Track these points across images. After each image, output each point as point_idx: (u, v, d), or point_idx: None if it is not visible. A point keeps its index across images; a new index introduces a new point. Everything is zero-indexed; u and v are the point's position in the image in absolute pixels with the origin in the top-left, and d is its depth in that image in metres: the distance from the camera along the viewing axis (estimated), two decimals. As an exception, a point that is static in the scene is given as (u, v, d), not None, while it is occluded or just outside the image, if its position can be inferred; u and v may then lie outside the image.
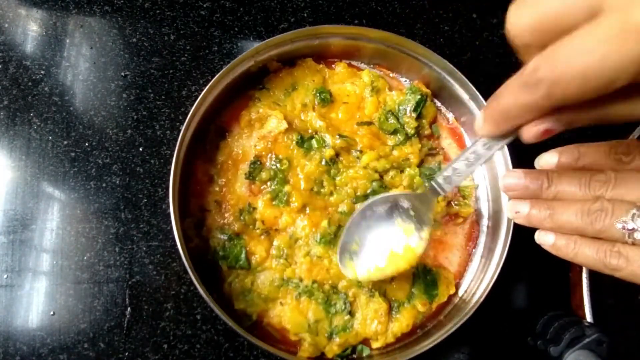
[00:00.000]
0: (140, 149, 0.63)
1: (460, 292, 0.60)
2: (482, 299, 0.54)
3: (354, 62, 0.65)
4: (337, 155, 0.59)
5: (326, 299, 0.56)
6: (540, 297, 0.62)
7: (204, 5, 0.69)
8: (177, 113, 0.64)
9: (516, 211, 0.48)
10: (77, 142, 0.63)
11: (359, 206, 0.56)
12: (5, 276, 0.59)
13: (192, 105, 0.55)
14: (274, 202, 0.57)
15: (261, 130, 0.59)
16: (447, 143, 0.65)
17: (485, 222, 0.62)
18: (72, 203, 0.61)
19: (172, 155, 0.54)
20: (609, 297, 0.57)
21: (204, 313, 0.59)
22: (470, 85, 0.58)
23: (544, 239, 0.47)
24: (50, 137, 0.63)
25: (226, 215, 0.58)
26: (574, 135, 0.68)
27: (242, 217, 0.57)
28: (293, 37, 0.59)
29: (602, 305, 0.56)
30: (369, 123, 0.61)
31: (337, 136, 0.59)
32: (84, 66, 0.65)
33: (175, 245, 0.60)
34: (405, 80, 0.65)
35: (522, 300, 0.62)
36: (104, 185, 0.62)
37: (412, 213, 0.53)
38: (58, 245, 0.59)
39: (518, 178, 0.48)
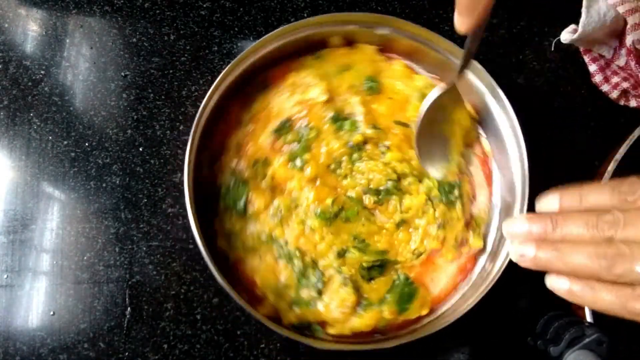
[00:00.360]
0: (140, 149, 0.63)
1: (436, 314, 0.58)
2: (453, 320, 0.53)
3: (413, 65, 0.65)
4: (365, 143, 0.60)
5: (303, 270, 0.56)
6: (540, 297, 0.62)
7: (204, 5, 0.69)
8: (177, 113, 0.64)
9: (521, 254, 0.46)
10: (77, 142, 0.63)
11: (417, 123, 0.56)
12: (5, 276, 0.59)
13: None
14: (289, 164, 0.58)
15: (302, 95, 0.60)
16: (474, 169, 0.62)
17: (483, 262, 0.60)
18: (72, 203, 0.61)
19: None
20: (609, 297, 0.57)
21: (204, 313, 0.59)
22: (517, 124, 0.58)
23: (557, 284, 0.45)
24: (50, 137, 0.63)
25: (242, 159, 0.59)
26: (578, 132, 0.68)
27: (255, 167, 0.58)
28: (359, 20, 0.60)
29: (602, 305, 0.56)
30: (406, 125, 0.61)
31: (372, 126, 0.60)
32: (84, 66, 0.65)
33: (175, 245, 0.60)
34: (485, 142, 0.64)
35: (522, 301, 0.62)
36: (104, 185, 0.62)
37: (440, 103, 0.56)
38: (58, 245, 0.59)
39: (521, 224, 0.47)
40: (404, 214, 0.59)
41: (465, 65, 0.52)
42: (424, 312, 0.57)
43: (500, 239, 0.59)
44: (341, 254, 0.56)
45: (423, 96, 0.61)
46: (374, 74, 0.62)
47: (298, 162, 0.58)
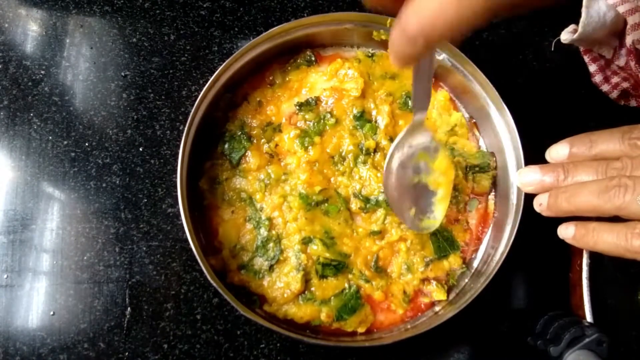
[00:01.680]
0: (140, 149, 0.63)
1: (372, 336, 0.57)
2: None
3: (456, 102, 0.65)
4: (375, 151, 0.60)
5: (265, 241, 0.57)
6: (540, 297, 0.62)
7: (204, 5, 0.69)
8: (177, 113, 0.64)
9: (539, 203, 0.48)
10: (77, 142, 0.63)
11: (383, 186, 0.55)
12: (5, 276, 0.59)
13: (192, 105, 0.56)
14: (297, 140, 0.59)
15: (339, 84, 0.61)
16: (472, 219, 0.61)
17: (437, 308, 0.58)
18: (72, 203, 0.61)
19: (176, 153, 0.54)
20: (609, 297, 0.57)
21: (204, 313, 0.59)
22: (514, 128, 0.57)
23: (564, 232, 0.47)
24: (50, 137, 0.63)
25: (257, 116, 0.61)
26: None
27: (265, 128, 0.60)
28: (355, 19, 0.61)
29: (602, 305, 0.56)
30: None
31: (389, 138, 0.60)
32: (84, 66, 0.65)
33: (175, 245, 0.60)
34: (483, 145, 0.64)
35: (522, 300, 0.62)
36: (104, 185, 0.62)
37: (413, 147, 0.53)
38: (58, 245, 0.59)
39: (534, 173, 0.48)
40: (384, 224, 0.58)
41: (424, 104, 0.49)
42: (361, 330, 0.56)
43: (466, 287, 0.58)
44: (306, 242, 0.57)
45: (452, 132, 0.62)
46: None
47: (305, 142, 0.59)
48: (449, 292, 0.59)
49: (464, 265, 0.59)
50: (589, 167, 0.45)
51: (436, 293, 0.58)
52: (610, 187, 0.42)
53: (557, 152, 0.49)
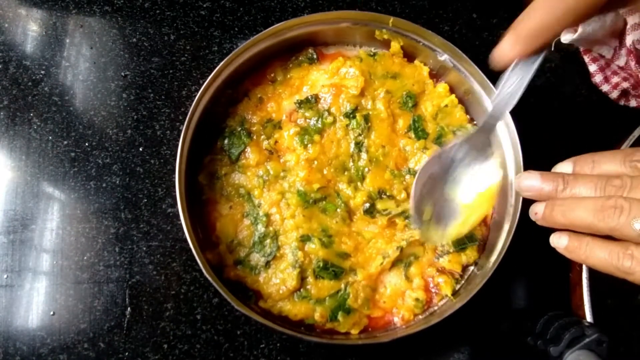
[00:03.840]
0: (140, 149, 0.63)
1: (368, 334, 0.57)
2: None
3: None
4: (362, 145, 0.61)
5: (262, 237, 0.57)
6: (540, 297, 0.62)
7: (204, 5, 0.69)
8: (177, 113, 0.64)
9: (535, 212, 0.48)
10: (77, 142, 0.63)
11: (415, 177, 0.52)
12: (5, 276, 0.59)
13: (190, 105, 0.56)
14: (296, 138, 0.59)
15: (340, 80, 0.62)
16: None
17: (443, 301, 0.58)
18: (72, 203, 0.61)
19: (176, 153, 0.54)
20: (609, 297, 0.57)
21: (204, 313, 0.59)
22: (513, 128, 0.58)
23: (557, 242, 0.47)
24: (50, 137, 0.63)
25: (257, 112, 0.61)
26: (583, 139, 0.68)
27: (265, 125, 0.60)
28: (353, 18, 0.62)
29: (602, 305, 0.56)
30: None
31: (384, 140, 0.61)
32: (84, 66, 0.65)
33: (175, 245, 0.60)
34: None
35: (522, 300, 0.62)
36: (104, 185, 0.62)
37: (467, 161, 0.51)
38: (58, 245, 0.59)
39: (533, 179, 0.48)
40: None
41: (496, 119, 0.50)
42: (354, 331, 0.56)
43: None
44: (304, 239, 0.56)
45: (444, 107, 0.63)
46: (416, 93, 0.63)
47: (305, 140, 0.59)
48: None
49: (477, 261, 0.59)
50: (588, 182, 0.45)
51: (444, 287, 0.58)
52: (606, 207, 0.42)
53: (562, 170, 0.49)
